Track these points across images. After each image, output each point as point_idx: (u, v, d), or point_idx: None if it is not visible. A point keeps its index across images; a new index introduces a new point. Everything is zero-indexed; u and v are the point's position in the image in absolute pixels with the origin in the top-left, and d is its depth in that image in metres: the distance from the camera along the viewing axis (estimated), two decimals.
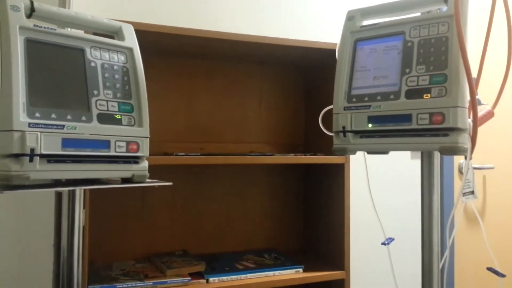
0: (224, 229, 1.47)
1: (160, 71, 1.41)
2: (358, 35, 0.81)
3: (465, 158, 0.70)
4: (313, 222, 1.50)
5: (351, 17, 0.82)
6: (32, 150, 0.59)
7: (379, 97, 0.75)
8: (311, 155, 1.32)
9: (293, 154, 1.32)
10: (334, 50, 1.13)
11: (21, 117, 0.59)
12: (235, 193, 1.49)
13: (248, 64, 1.52)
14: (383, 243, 0.84)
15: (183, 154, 1.17)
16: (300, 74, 1.59)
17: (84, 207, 0.83)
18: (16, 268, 1.07)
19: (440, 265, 0.81)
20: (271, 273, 1.23)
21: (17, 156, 0.59)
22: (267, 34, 1.58)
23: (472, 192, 0.78)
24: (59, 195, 0.83)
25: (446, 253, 0.79)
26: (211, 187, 1.46)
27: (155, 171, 1.35)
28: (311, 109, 1.55)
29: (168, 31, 1.12)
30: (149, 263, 1.28)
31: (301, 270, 1.27)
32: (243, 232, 1.50)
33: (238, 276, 1.19)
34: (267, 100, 1.54)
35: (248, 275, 1.20)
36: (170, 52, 1.36)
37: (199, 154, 1.19)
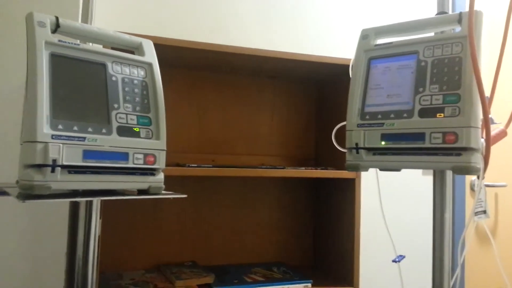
0: (233, 241, 1.48)
1: (173, 83, 1.43)
2: (372, 53, 0.82)
3: (478, 177, 0.70)
4: (323, 237, 1.50)
5: (365, 35, 0.84)
6: (54, 161, 0.61)
7: (392, 115, 0.76)
8: (322, 169, 1.33)
9: (304, 168, 1.32)
10: (346, 65, 1.14)
11: (44, 129, 0.61)
12: (245, 205, 1.50)
13: (261, 78, 1.54)
14: (394, 261, 0.84)
15: (196, 165, 1.18)
16: (312, 88, 1.61)
17: (100, 217, 0.85)
18: (27, 276, 1.08)
19: (451, 284, 0.80)
20: (279, 287, 1.23)
21: (39, 166, 0.61)
22: (280, 48, 1.60)
23: (484, 212, 0.78)
24: (74, 205, 0.84)
25: (457, 271, 0.79)
26: (221, 199, 1.47)
27: (165, 181, 1.37)
28: (323, 123, 1.56)
29: (182, 44, 1.15)
30: (159, 273, 1.29)
31: (309, 285, 1.27)
32: (252, 244, 1.50)
33: None
34: (279, 113, 1.56)
35: None
36: (184, 64, 1.38)
37: (211, 166, 1.20)
